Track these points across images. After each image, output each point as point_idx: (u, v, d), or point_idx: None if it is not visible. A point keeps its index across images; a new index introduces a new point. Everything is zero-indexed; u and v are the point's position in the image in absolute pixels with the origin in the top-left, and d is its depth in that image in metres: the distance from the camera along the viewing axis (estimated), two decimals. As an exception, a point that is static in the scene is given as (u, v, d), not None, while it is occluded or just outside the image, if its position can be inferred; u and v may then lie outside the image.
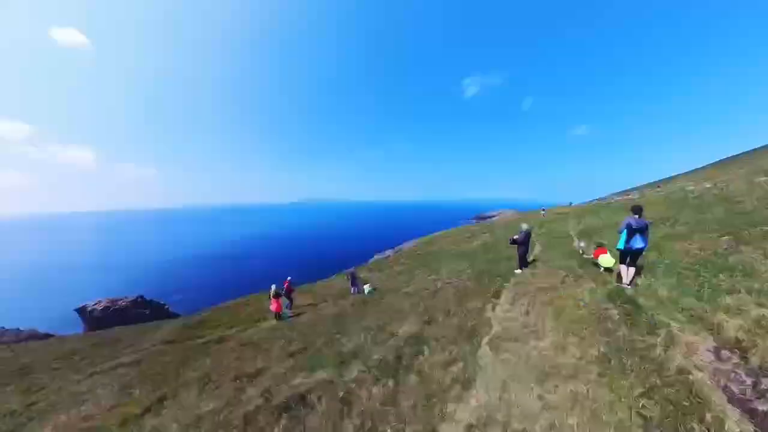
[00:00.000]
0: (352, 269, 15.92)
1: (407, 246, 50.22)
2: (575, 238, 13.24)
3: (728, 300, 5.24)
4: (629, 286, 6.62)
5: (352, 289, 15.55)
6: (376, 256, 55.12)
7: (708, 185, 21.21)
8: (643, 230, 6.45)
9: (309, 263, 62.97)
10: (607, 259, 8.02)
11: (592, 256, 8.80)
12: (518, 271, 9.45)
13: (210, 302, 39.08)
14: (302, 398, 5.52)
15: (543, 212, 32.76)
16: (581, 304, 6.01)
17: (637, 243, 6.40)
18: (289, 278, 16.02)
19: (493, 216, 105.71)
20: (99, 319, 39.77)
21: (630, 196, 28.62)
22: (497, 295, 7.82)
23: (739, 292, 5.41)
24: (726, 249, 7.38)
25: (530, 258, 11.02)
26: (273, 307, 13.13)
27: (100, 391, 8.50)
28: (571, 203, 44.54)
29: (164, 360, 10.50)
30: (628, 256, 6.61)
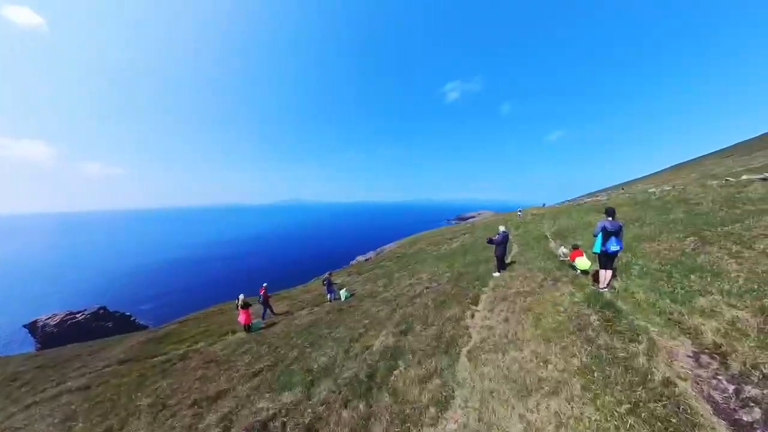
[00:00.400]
0: (327, 274, 15.22)
1: (389, 247, 49.90)
2: (551, 240, 13.35)
3: (702, 302, 5.17)
4: (606, 289, 6.51)
5: (329, 295, 14.86)
6: (358, 258, 54.30)
7: (667, 188, 22.40)
8: (617, 232, 6.36)
9: (290, 266, 60.89)
10: (583, 262, 7.94)
11: (569, 258, 8.75)
12: (497, 274, 9.25)
13: (183, 311, 36.54)
14: (264, 426, 4.88)
15: (519, 213, 32.96)
16: (561, 309, 5.78)
17: (613, 246, 6.29)
18: (264, 284, 15.06)
19: (473, 217, 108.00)
20: (53, 336, 36.22)
21: (598, 198, 29.84)
22: (476, 300, 7.50)
23: (712, 293, 5.37)
24: (693, 249, 7.48)
25: (508, 260, 10.92)
26: (241, 318, 12.15)
27: (38, 425, 7.39)
28: (544, 204, 46.01)
29: (117, 383, 9.37)
30: (604, 259, 6.50)
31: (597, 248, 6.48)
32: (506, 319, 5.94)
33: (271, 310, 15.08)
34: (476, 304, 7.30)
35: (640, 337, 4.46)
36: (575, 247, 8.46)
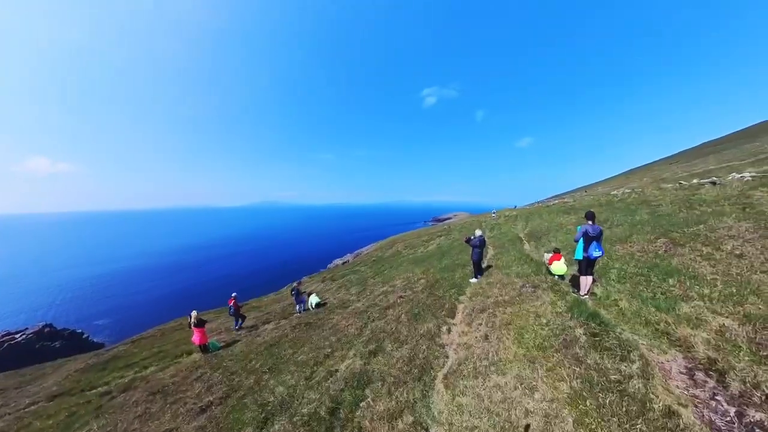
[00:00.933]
0: (295, 283, 14.08)
1: (367, 250, 48.93)
2: (525, 241, 13.17)
3: (686, 308, 4.83)
4: (587, 296, 6.11)
5: (297, 306, 13.73)
6: (335, 261, 52.72)
7: (627, 190, 23.44)
8: (599, 237, 5.99)
9: (264, 272, 57.34)
10: (559, 266, 7.58)
11: (546, 262, 8.41)
12: (474, 280, 8.73)
13: (144, 325, 33.07)
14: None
15: (494, 214, 32.39)
16: (543, 322, 5.25)
17: (595, 251, 5.90)
18: (233, 294, 13.73)
19: (450, 218, 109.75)
20: (-13, 360, 31.57)
21: (565, 200, 30.87)
22: (452, 312, 6.87)
23: (693, 298, 5.06)
24: (665, 251, 7.34)
25: (485, 263, 10.49)
26: (195, 339, 10.65)
27: None
28: (516, 206, 47.26)
29: (39, 428, 7.74)
30: (586, 264, 6.10)
31: (579, 254, 6.07)
32: (486, 336, 5.31)
33: (243, 321, 13.85)
34: (453, 317, 6.65)
35: (631, 355, 3.97)
36: (555, 251, 8.11)
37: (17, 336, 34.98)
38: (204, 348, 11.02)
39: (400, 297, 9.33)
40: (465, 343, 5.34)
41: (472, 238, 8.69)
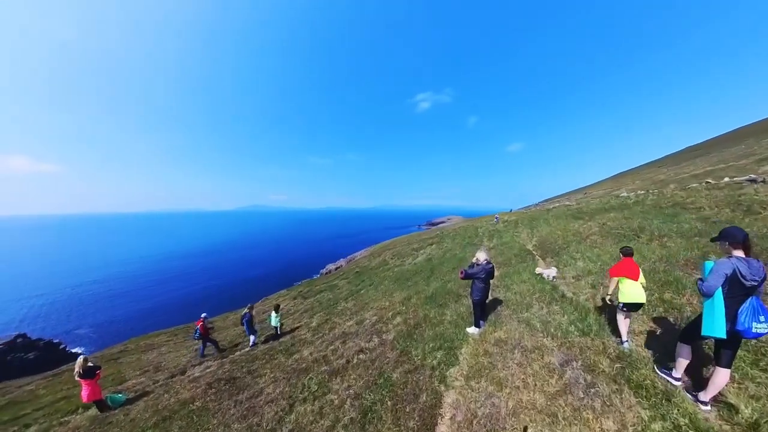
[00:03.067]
0: (247, 308, 10.50)
1: (360, 254, 45.33)
2: (538, 256, 9.59)
3: None
4: (709, 407, 2.58)
5: (251, 337, 10.18)
6: (328, 266, 48.89)
7: (641, 192, 19.95)
8: (759, 286, 2.48)
9: (253, 279, 52.81)
10: (635, 291, 3.95)
11: (607, 275, 4.76)
12: (474, 330, 5.19)
13: (126, 334, 29.04)
14: None
15: (496, 218, 26.42)
16: None
17: (759, 324, 2.39)
18: (203, 315, 10.55)
19: (443, 222, 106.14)
20: (-55, 375, 27.71)
21: (567, 203, 27.32)
22: (429, 421, 3.31)
23: None
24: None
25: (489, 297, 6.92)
26: (84, 394, 7.17)
27: None
28: (511, 209, 43.87)
29: None
30: (728, 347, 2.59)
31: (714, 326, 2.54)
32: None
33: (216, 346, 10.66)
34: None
35: None
36: (626, 253, 4.20)
37: (-16, 347, 31.07)
38: (102, 405, 7.51)
39: (361, 352, 5.75)
40: None
41: (474, 265, 5.16)
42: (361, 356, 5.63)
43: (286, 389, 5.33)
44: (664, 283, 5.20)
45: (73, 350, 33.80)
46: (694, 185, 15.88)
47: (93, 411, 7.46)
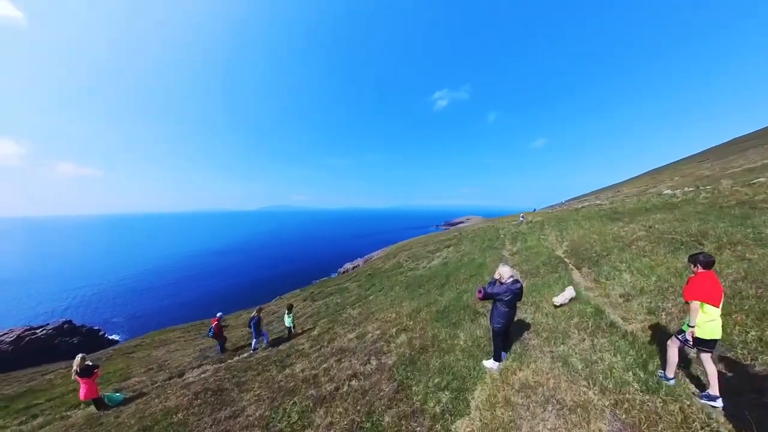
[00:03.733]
0: (255, 311, 9.94)
1: (377, 254, 44.55)
2: (571, 265, 8.06)
3: None
4: None
5: (254, 341, 9.61)
6: (346, 265, 48.59)
7: (689, 189, 17.30)
8: None
9: (274, 276, 53.57)
10: (714, 323, 2.69)
11: (683, 299, 3.41)
12: (492, 365, 4.01)
13: (156, 323, 30.75)
14: None
15: (521, 218, 23.64)
16: None
17: None
18: (219, 315, 10.43)
19: (462, 222, 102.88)
20: (6, 355, 30.38)
21: (597, 201, 24.65)
22: None
23: None
24: None
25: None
26: (82, 392, 6.99)
27: None
28: (535, 209, 40.96)
29: None
30: None
31: None
32: None
33: (222, 347, 10.50)
34: None
35: None
36: (705, 263, 2.95)
37: (38, 331, 33.90)
38: (99, 403, 7.25)
39: (354, 377, 4.78)
40: None
41: (497, 282, 3.94)
42: (353, 383, 4.67)
43: (267, 413, 4.50)
44: (761, 314, 3.73)
45: (111, 336, 36.10)
46: (762, 179, 13.26)
47: (91, 408, 7.29)
